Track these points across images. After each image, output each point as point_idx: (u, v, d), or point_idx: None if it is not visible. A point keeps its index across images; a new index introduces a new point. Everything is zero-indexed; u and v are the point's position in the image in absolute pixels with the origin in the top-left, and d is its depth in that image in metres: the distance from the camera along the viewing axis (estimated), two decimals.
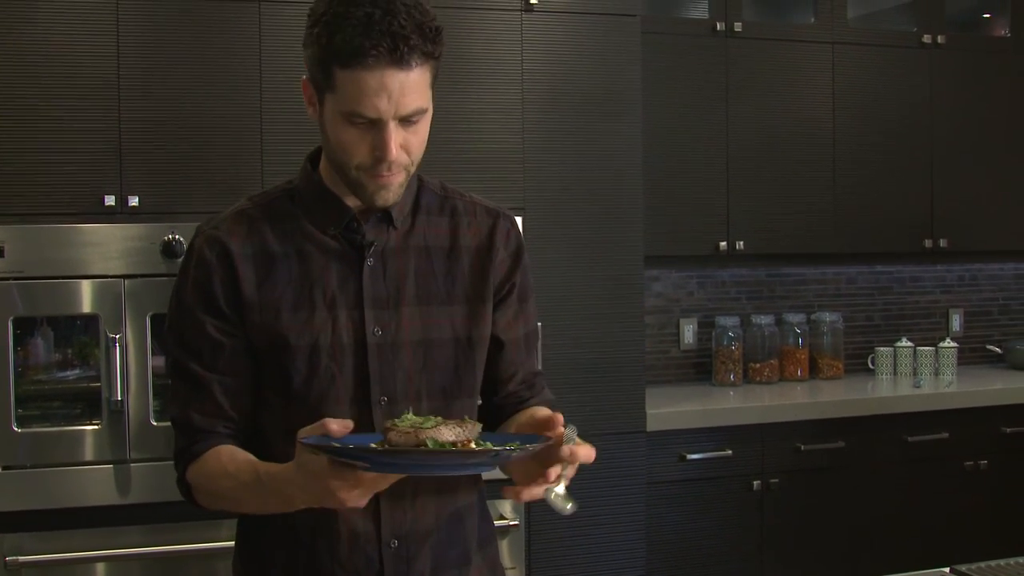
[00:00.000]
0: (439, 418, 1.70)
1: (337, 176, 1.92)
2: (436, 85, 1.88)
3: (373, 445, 1.64)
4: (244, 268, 1.92)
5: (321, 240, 1.95)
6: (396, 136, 1.81)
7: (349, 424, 1.67)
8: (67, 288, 3.60)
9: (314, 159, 2.02)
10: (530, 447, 1.67)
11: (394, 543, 1.95)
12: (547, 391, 2.16)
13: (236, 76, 3.81)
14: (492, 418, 2.10)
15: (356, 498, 1.65)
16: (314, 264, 1.94)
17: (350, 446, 1.63)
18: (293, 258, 1.94)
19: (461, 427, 1.66)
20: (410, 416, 1.70)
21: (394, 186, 1.88)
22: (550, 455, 1.71)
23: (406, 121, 1.81)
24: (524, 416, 2.01)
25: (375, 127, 1.80)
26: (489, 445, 1.67)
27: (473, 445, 1.65)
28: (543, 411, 1.89)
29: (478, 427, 1.68)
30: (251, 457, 1.86)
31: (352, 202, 1.95)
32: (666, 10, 5.15)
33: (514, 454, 1.66)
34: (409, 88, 1.78)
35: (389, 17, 1.75)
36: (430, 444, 1.61)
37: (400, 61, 1.76)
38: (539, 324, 2.17)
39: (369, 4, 1.76)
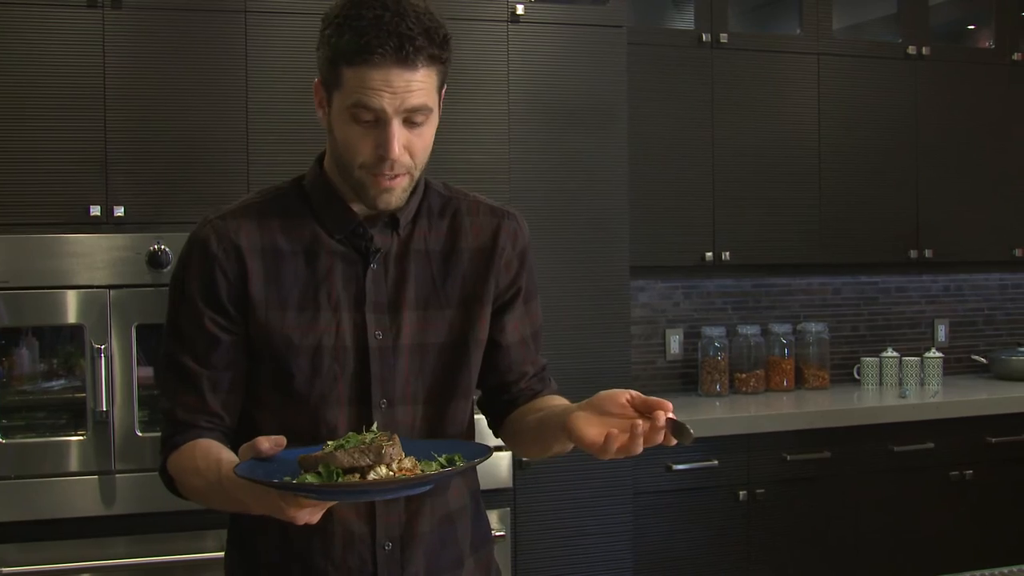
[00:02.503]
0: (383, 434, 1.71)
1: (342, 178, 1.93)
2: (443, 95, 1.91)
3: (292, 480, 1.65)
4: (253, 263, 1.92)
5: (328, 242, 1.96)
6: (400, 135, 1.82)
7: (282, 441, 1.69)
8: (52, 298, 3.59)
9: (322, 161, 2.02)
10: (443, 470, 1.70)
11: (388, 545, 1.96)
12: (553, 381, 2.19)
13: (222, 86, 3.81)
14: (505, 409, 2.13)
15: (306, 516, 1.66)
16: (320, 265, 1.95)
17: (285, 480, 1.64)
18: (301, 257, 1.94)
19: (365, 451, 1.64)
20: (353, 436, 1.71)
21: (397, 190, 1.89)
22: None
23: (410, 122, 1.83)
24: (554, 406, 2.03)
25: (379, 125, 1.82)
26: (407, 462, 1.68)
27: (380, 471, 1.64)
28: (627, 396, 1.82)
29: (388, 448, 1.66)
30: (221, 455, 1.84)
31: (358, 207, 1.95)
32: (652, 21, 5.17)
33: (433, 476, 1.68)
34: (415, 86, 1.81)
35: (397, 19, 1.78)
36: (321, 470, 1.63)
37: (405, 60, 1.79)
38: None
39: (380, 7, 1.79)
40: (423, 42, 1.79)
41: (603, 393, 1.82)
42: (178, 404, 1.94)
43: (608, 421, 1.78)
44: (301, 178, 2.03)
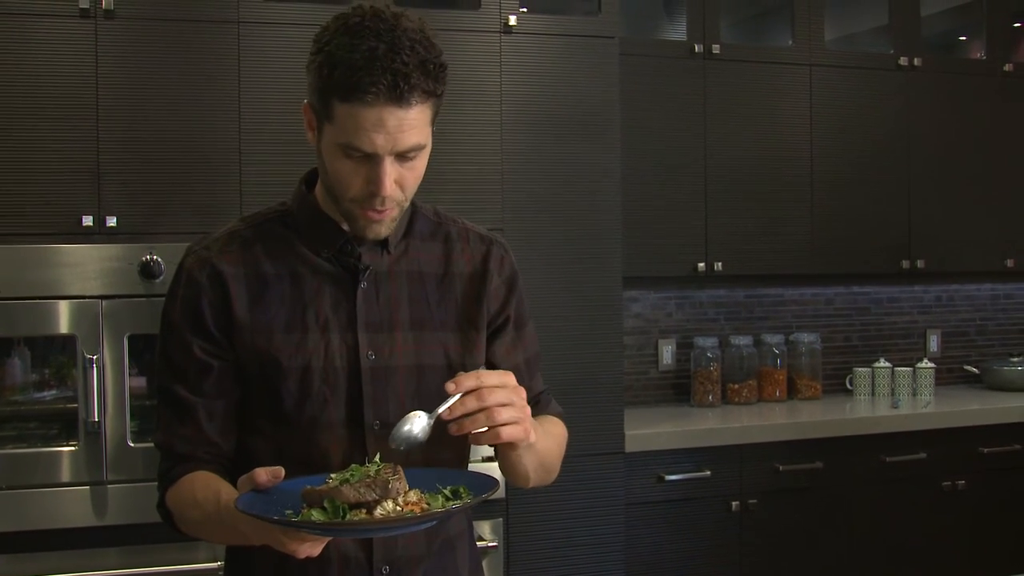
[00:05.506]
0: (387, 466, 1.69)
1: (332, 203, 1.91)
2: (437, 120, 1.87)
3: (295, 518, 1.63)
4: (236, 289, 1.90)
5: (314, 262, 1.94)
6: (391, 171, 1.79)
7: (280, 472, 1.67)
8: (44, 309, 3.58)
9: (309, 181, 2.01)
10: (455, 506, 1.67)
11: (385, 569, 1.93)
12: (554, 404, 2.16)
13: (215, 97, 3.81)
14: None
15: (307, 550, 1.65)
16: (307, 286, 1.93)
17: (289, 517, 1.62)
18: (286, 280, 1.92)
19: (371, 486, 1.63)
20: (357, 468, 1.70)
21: (386, 222, 1.87)
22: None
23: (402, 157, 1.80)
24: None
25: (370, 161, 1.78)
26: (413, 495, 1.67)
27: (387, 506, 1.63)
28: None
29: (394, 482, 1.65)
30: (220, 487, 1.82)
31: (347, 225, 1.93)
32: (645, 32, 5.18)
33: (453, 506, 1.67)
34: (408, 125, 1.76)
35: (392, 53, 1.72)
36: (327, 506, 1.61)
37: (399, 99, 1.73)
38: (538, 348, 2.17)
39: (373, 37, 1.73)
40: (418, 78, 1.74)
41: None
42: (175, 436, 1.92)
43: None
44: (285, 203, 2.02)
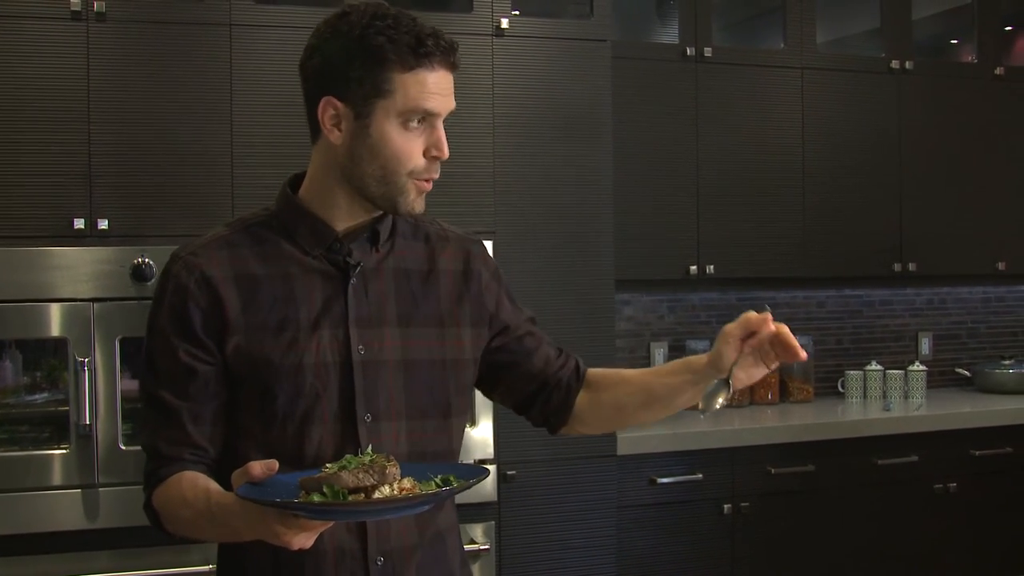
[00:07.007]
0: (381, 455, 1.72)
1: (378, 188, 1.93)
2: None
3: (296, 500, 1.65)
4: (227, 292, 1.91)
5: (304, 261, 1.96)
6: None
7: (274, 465, 1.68)
8: (36, 311, 3.58)
9: (293, 185, 2.03)
10: (444, 491, 1.71)
11: (380, 560, 1.95)
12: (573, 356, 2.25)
13: (207, 99, 3.81)
14: (564, 396, 2.19)
15: (302, 540, 1.66)
16: (298, 285, 1.94)
17: (292, 500, 1.63)
18: (277, 279, 1.94)
19: (369, 471, 1.66)
20: (352, 458, 1.72)
21: (426, 192, 1.96)
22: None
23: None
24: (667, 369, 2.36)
25: (427, 128, 1.91)
26: (407, 482, 1.69)
27: (384, 491, 1.66)
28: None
29: (391, 468, 1.68)
30: (209, 485, 1.83)
31: (339, 224, 1.97)
32: (636, 35, 5.19)
33: (447, 491, 1.71)
34: (452, 88, 1.95)
35: (431, 28, 1.90)
36: (326, 490, 1.63)
37: (453, 64, 1.93)
38: None
39: (406, 17, 1.89)
40: (456, 47, 1.93)
41: (719, 346, 2.09)
42: (160, 439, 1.93)
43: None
44: (268, 208, 2.04)
